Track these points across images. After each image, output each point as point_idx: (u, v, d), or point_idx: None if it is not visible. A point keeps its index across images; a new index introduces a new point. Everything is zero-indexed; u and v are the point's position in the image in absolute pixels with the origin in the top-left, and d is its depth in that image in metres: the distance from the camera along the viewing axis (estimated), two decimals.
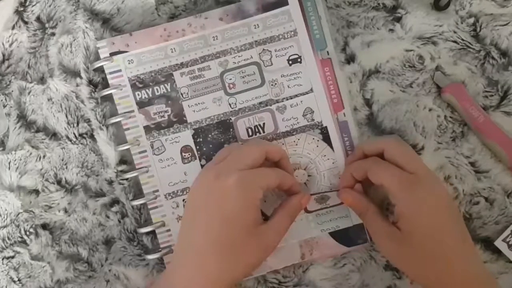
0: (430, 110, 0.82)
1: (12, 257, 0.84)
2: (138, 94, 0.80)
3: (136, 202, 0.80)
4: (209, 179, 0.72)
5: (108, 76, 0.80)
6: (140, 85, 0.80)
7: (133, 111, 0.80)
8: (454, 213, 0.74)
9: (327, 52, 0.81)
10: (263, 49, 0.80)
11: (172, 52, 0.80)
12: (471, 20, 0.82)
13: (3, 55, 0.84)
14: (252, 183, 0.71)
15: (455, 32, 0.82)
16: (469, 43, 0.82)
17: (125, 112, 0.80)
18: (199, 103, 0.80)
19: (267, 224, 0.74)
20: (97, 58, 0.81)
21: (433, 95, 0.82)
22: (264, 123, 0.80)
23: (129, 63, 0.80)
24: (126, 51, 0.80)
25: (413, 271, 0.73)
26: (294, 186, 0.77)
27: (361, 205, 0.77)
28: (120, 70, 0.80)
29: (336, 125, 0.81)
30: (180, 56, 0.80)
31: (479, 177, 0.81)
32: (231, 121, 0.80)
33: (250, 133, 0.80)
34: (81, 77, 0.82)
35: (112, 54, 0.80)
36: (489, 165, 0.81)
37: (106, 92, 0.80)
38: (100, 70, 0.82)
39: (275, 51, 0.80)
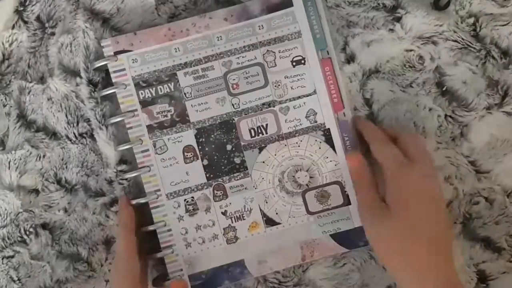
0: (430, 110, 0.82)
1: (12, 256, 0.84)
2: (142, 93, 0.80)
3: (138, 202, 0.80)
4: None
5: (112, 75, 0.80)
6: (144, 84, 0.80)
7: (136, 110, 0.80)
8: (439, 211, 0.73)
9: (327, 51, 0.81)
10: (267, 50, 0.80)
11: (176, 51, 0.80)
12: (471, 20, 0.82)
13: (3, 55, 0.84)
14: None
15: (455, 32, 0.82)
16: (470, 42, 0.82)
17: (128, 111, 0.80)
18: (202, 103, 0.80)
19: None
20: (97, 57, 0.81)
21: (433, 95, 0.82)
22: (267, 124, 0.80)
23: (133, 62, 0.80)
24: (131, 50, 0.80)
25: (384, 251, 0.73)
26: None
27: (362, 171, 0.78)
28: (124, 69, 0.80)
29: (337, 125, 0.81)
30: (184, 55, 0.80)
31: (479, 177, 0.82)
32: (234, 121, 0.80)
33: (253, 134, 0.80)
34: (81, 77, 0.82)
35: (116, 53, 0.80)
36: (489, 165, 0.82)
37: (109, 91, 0.80)
38: (100, 69, 0.82)
39: (279, 52, 0.80)
